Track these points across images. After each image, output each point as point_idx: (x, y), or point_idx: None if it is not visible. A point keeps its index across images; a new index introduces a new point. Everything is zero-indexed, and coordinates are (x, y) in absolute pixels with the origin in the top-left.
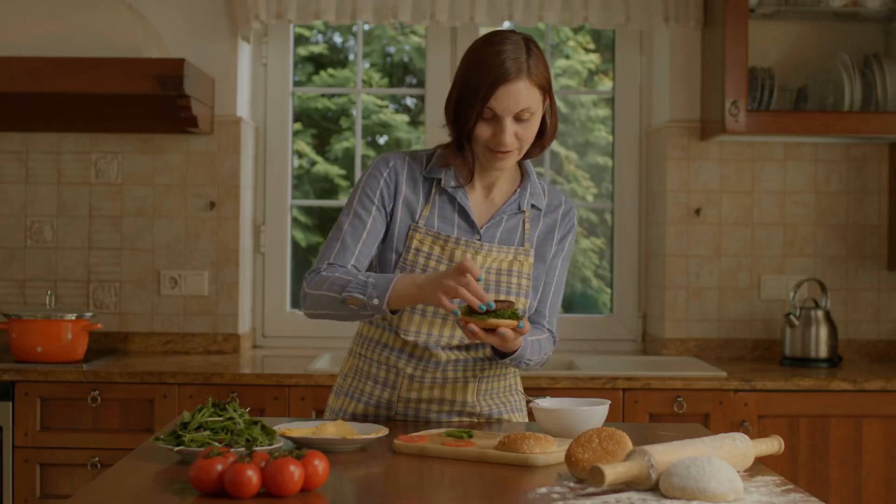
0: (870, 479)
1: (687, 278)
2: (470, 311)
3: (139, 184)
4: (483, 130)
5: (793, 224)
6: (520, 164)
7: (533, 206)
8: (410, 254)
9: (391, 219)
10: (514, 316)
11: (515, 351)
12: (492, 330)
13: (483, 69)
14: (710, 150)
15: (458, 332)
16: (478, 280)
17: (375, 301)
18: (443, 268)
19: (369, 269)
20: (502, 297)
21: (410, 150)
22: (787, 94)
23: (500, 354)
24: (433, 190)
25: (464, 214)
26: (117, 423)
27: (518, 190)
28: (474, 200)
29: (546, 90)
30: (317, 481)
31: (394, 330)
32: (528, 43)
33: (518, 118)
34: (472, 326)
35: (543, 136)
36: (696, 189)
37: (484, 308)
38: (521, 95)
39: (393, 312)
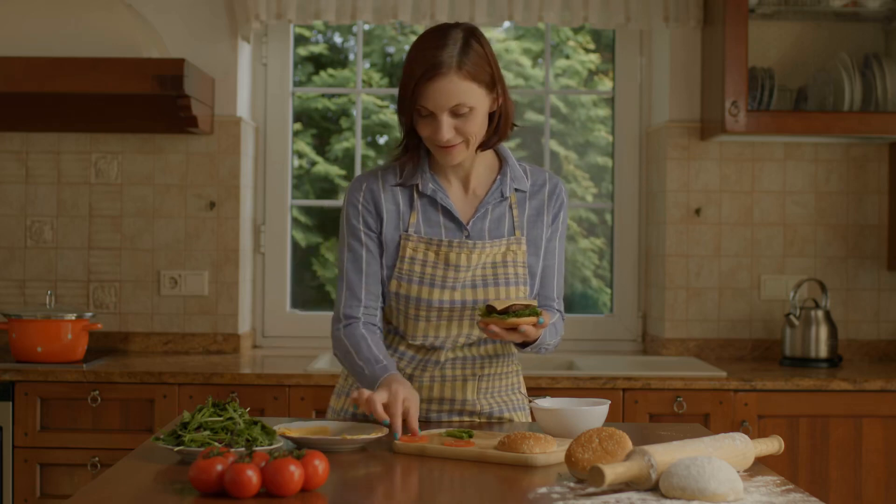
0: (870, 479)
1: (687, 278)
2: (488, 313)
3: (139, 184)
4: (423, 128)
5: (793, 224)
6: (496, 150)
7: (517, 189)
8: (405, 263)
9: (380, 235)
10: (534, 313)
11: (535, 340)
12: (513, 328)
13: (411, 67)
14: (710, 150)
15: (465, 332)
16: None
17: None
18: (440, 272)
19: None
20: (523, 301)
21: (379, 165)
22: (787, 94)
23: (522, 344)
24: (414, 196)
25: (448, 214)
26: (117, 423)
27: (498, 177)
28: (455, 197)
29: (488, 83)
30: (317, 481)
31: (399, 333)
32: (469, 37)
33: (455, 113)
34: (494, 328)
35: (498, 127)
36: (696, 189)
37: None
38: (450, 91)
39: None
